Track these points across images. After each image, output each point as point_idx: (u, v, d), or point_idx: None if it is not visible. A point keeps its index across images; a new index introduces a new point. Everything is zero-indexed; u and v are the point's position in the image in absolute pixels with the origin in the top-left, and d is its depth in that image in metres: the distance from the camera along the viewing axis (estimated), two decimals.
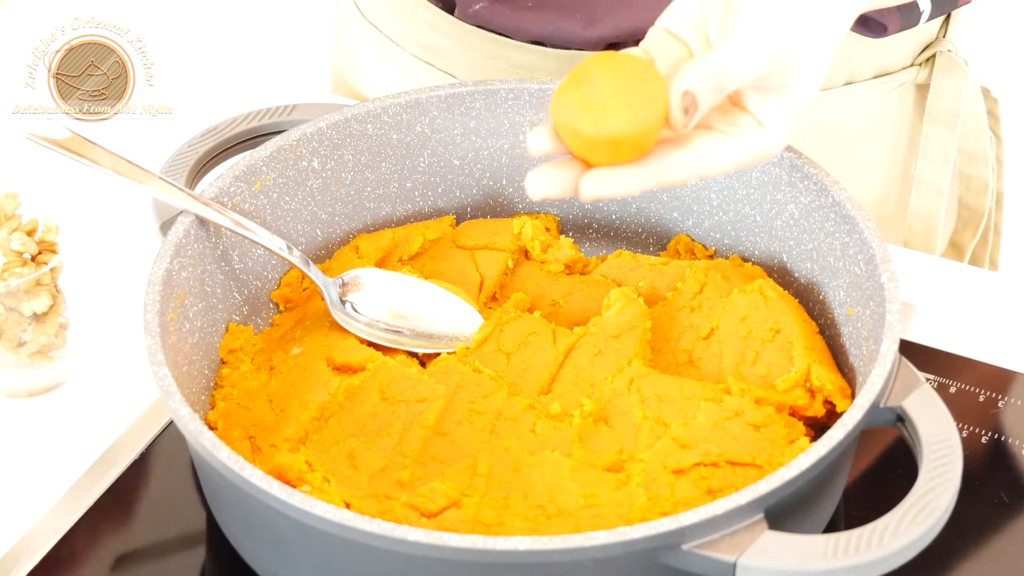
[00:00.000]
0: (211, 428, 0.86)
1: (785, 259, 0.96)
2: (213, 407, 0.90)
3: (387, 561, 0.75)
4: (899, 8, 1.05)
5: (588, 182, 0.78)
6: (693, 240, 1.01)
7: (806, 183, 0.92)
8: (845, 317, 0.90)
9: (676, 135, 0.79)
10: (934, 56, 1.12)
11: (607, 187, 0.78)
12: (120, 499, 0.91)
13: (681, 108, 0.77)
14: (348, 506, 0.81)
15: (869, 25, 1.06)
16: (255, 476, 0.75)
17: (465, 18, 1.08)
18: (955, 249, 1.23)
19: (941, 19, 1.12)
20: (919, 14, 1.06)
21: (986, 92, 1.19)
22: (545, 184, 0.79)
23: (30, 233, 0.95)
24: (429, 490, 0.81)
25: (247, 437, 0.86)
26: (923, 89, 1.14)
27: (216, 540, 0.88)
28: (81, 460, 0.92)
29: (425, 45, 1.13)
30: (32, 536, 0.88)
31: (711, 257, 1.00)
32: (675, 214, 1.01)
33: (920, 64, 1.13)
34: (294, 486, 0.82)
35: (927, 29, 1.11)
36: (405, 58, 1.16)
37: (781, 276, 0.96)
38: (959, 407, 0.94)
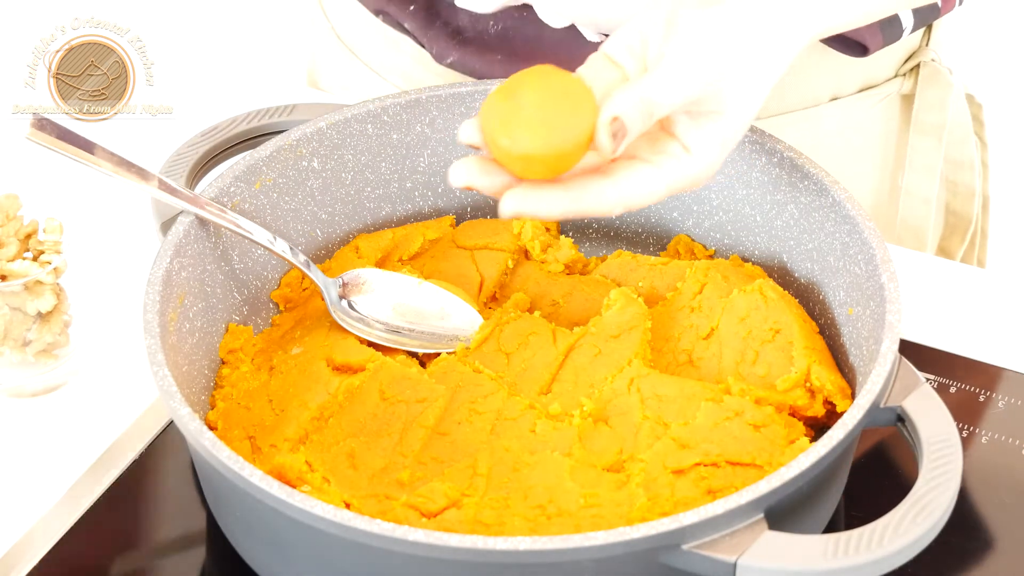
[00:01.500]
0: (211, 428, 0.86)
1: (785, 259, 0.96)
2: (213, 407, 0.90)
3: (387, 561, 0.75)
4: (880, 24, 1.04)
5: (509, 199, 0.78)
6: (693, 240, 1.01)
7: (806, 183, 0.92)
8: (845, 317, 0.90)
9: (603, 163, 0.79)
10: (918, 66, 1.12)
11: (527, 206, 0.78)
12: (120, 499, 0.91)
13: (609, 133, 0.77)
14: (348, 506, 0.81)
15: (850, 45, 1.05)
16: (255, 476, 0.75)
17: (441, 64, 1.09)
18: (943, 254, 1.23)
19: (923, 28, 1.12)
20: (901, 29, 1.05)
21: (970, 98, 1.19)
22: (470, 174, 0.79)
23: (28, 236, 0.95)
24: (429, 490, 0.81)
25: (247, 437, 0.86)
26: (908, 100, 1.13)
27: (216, 540, 0.88)
28: (81, 460, 0.92)
29: (406, 75, 1.14)
30: (32, 536, 0.88)
31: (711, 257, 1.00)
32: (675, 214, 1.01)
33: (904, 75, 1.12)
34: (294, 486, 0.82)
35: (910, 39, 1.11)
36: (384, 85, 1.16)
37: (781, 276, 0.96)
38: (959, 407, 0.94)
